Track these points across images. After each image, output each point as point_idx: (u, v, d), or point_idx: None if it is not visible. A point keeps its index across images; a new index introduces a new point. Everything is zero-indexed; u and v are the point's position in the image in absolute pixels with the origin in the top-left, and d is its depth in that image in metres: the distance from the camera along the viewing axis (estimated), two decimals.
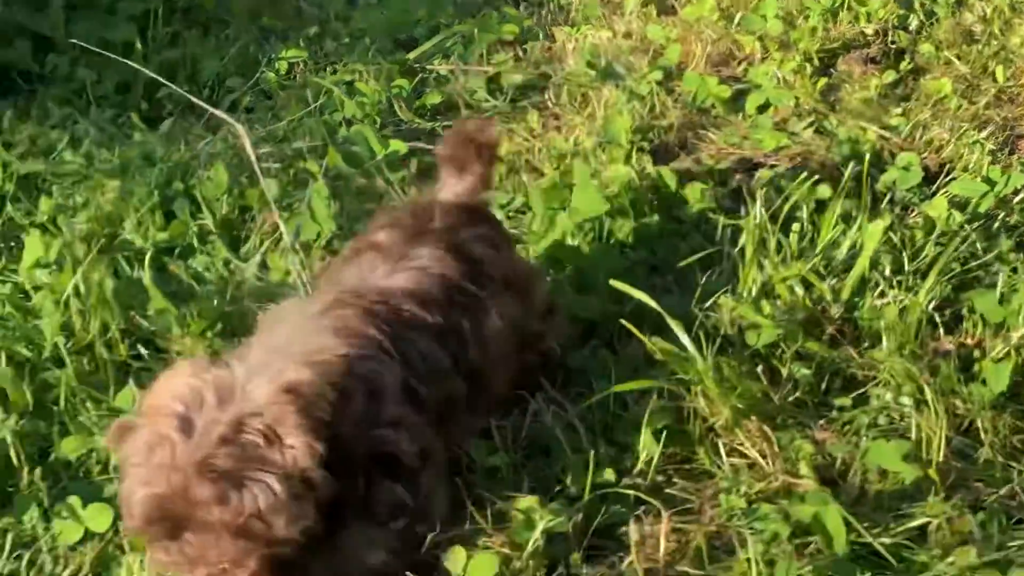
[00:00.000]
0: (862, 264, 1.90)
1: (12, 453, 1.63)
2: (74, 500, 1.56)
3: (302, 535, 1.33)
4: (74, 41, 2.96)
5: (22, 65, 3.05)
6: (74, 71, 3.00)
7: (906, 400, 1.63)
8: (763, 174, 2.32)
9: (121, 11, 3.22)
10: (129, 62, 2.85)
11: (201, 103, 2.76)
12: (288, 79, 3.01)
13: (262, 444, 1.30)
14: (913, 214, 2.20)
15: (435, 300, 1.56)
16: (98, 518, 1.54)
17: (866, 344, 1.84)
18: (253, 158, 2.33)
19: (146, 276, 1.98)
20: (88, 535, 1.53)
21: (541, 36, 3.17)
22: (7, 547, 1.52)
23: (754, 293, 1.88)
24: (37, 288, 2.03)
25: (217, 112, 2.71)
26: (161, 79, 2.79)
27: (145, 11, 3.15)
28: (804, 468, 1.53)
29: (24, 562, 1.50)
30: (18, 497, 1.60)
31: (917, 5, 3.00)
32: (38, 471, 1.61)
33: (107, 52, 2.93)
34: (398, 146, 2.56)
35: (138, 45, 3.01)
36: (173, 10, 3.31)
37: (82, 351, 1.86)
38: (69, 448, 1.63)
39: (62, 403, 1.71)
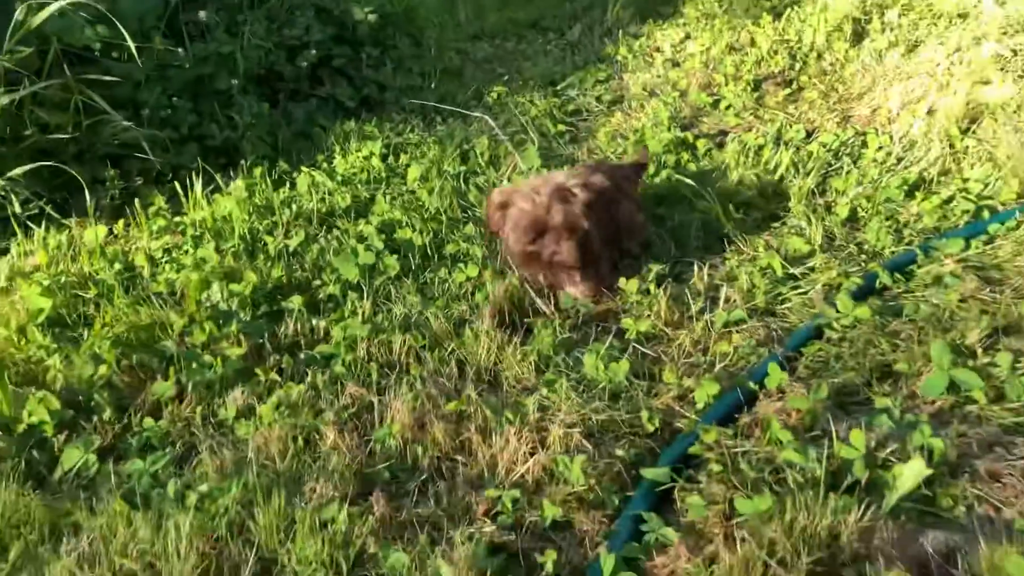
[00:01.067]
0: (783, 164, 3.12)
1: None
2: None
3: (589, 232, 2.43)
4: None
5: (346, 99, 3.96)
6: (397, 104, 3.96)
7: None
8: (729, 142, 3.40)
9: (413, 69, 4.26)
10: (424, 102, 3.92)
11: (468, 112, 3.79)
12: (498, 101, 3.92)
13: (568, 195, 2.52)
14: (800, 152, 3.24)
15: (604, 188, 2.60)
16: None
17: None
18: (499, 133, 3.52)
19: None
20: None
21: (617, 77, 4.18)
22: None
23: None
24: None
25: (477, 114, 3.74)
26: (442, 105, 3.86)
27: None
28: None
29: None
30: None
31: (799, 58, 4.01)
32: None
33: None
34: (560, 128, 3.58)
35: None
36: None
37: None
38: None
39: None
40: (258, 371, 2.28)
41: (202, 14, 3.57)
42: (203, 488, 1.88)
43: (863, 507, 1.68)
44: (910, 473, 1.74)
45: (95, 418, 2.18)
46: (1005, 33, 3.84)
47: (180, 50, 3.51)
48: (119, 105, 3.08)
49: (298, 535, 1.76)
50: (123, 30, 2.98)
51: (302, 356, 2.38)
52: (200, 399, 2.23)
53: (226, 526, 1.81)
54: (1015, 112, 3.25)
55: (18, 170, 2.85)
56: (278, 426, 2.07)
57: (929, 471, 1.73)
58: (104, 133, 3.11)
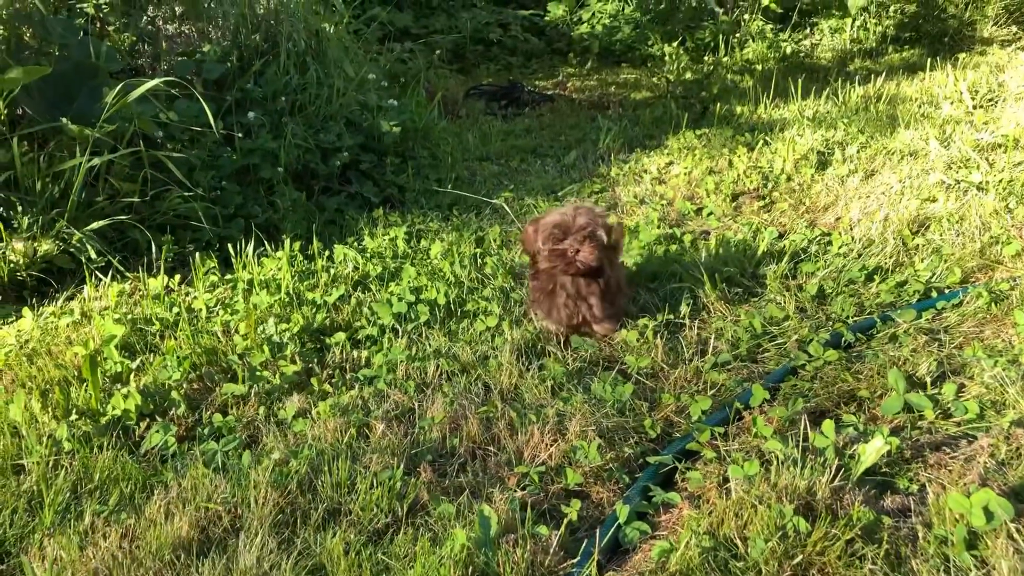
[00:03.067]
0: (760, 250, 3.66)
1: None
2: None
3: (605, 248, 2.80)
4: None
5: (371, 195, 4.48)
6: (416, 203, 4.37)
7: None
8: (712, 236, 3.84)
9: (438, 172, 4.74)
10: (449, 190, 4.40)
11: (486, 199, 4.28)
12: (506, 202, 4.28)
13: (593, 213, 2.86)
14: (774, 246, 3.68)
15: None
16: None
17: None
18: (513, 218, 4.25)
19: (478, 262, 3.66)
20: None
21: (610, 190, 4.64)
22: None
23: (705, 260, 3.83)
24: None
25: (495, 201, 4.22)
26: (460, 192, 4.35)
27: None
28: None
29: None
30: None
31: (771, 179, 4.53)
32: None
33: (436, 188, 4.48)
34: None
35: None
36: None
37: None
38: None
39: None
40: (312, 381, 2.65)
41: (251, 115, 4.11)
42: (275, 456, 2.22)
43: (835, 473, 2.06)
44: (872, 449, 2.12)
45: (170, 412, 2.52)
46: (950, 168, 4.49)
47: (228, 148, 4.02)
48: (177, 184, 3.54)
49: (359, 488, 2.09)
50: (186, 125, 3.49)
51: (348, 377, 2.75)
52: (262, 402, 2.58)
53: (296, 485, 2.14)
54: (958, 222, 3.81)
55: (94, 224, 3.28)
56: (332, 420, 2.42)
57: (888, 447, 2.12)
58: (164, 204, 3.55)
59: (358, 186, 4.34)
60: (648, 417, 2.49)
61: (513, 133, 5.97)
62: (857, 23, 8.56)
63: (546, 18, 9.50)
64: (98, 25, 4.64)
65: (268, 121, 4.23)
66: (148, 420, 2.49)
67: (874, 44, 8.40)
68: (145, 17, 4.86)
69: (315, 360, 2.83)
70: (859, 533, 1.84)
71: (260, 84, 4.37)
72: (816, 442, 2.21)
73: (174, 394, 2.54)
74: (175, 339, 2.88)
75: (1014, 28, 8.33)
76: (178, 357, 2.68)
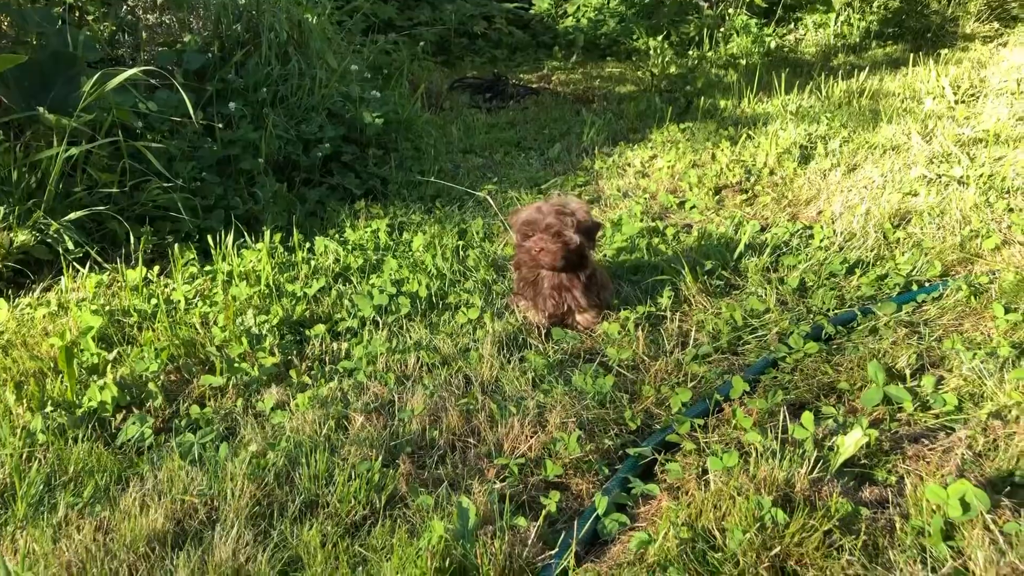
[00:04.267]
0: (742, 244, 3.61)
1: None
2: None
3: (576, 246, 2.76)
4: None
5: (353, 187, 4.33)
6: (399, 195, 4.33)
7: None
8: (694, 229, 3.83)
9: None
10: (433, 180, 4.38)
11: (470, 191, 4.27)
12: (494, 193, 4.24)
13: (566, 211, 2.81)
14: (756, 239, 3.66)
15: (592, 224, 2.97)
16: None
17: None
18: (496, 210, 4.17)
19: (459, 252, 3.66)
20: None
21: (593, 183, 4.64)
22: None
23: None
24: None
25: (479, 193, 4.20)
26: (443, 182, 4.33)
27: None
28: None
29: None
30: None
31: (754, 173, 4.52)
32: None
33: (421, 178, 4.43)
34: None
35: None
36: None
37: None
38: None
39: None
40: (291, 372, 2.63)
41: (231, 105, 4.07)
42: (252, 448, 2.20)
43: (813, 464, 2.06)
44: (851, 440, 2.13)
45: (147, 404, 2.50)
46: (931, 162, 4.49)
47: (208, 140, 3.98)
48: (156, 174, 3.51)
49: (337, 480, 2.08)
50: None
51: (327, 369, 2.73)
52: (240, 394, 2.56)
53: (274, 477, 2.12)
54: (939, 215, 3.82)
55: (71, 215, 3.24)
56: (311, 412, 2.41)
57: (866, 438, 2.12)
58: (143, 195, 3.52)
59: (340, 178, 4.31)
60: (628, 409, 2.48)
61: (497, 126, 5.95)
62: (841, 18, 8.57)
63: (531, 11, 9.47)
64: (77, 15, 4.58)
65: (249, 112, 4.19)
66: (125, 412, 2.46)
67: (857, 39, 8.41)
68: (125, 7, 4.80)
69: (294, 352, 2.81)
70: (837, 524, 1.84)
71: (241, 75, 4.33)
72: (796, 434, 2.21)
73: (151, 386, 2.52)
74: (153, 331, 2.84)
75: (996, 24, 8.37)
76: (155, 349, 2.65)
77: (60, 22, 3.77)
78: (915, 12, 8.32)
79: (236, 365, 2.59)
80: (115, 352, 2.71)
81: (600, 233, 3.03)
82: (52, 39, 3.51)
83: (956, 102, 5.79)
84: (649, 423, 2.48)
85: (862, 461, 2.17)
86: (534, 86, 7.30)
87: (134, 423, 2.34)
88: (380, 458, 2.17)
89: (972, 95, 5.97)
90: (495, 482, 2.14)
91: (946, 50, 7.40)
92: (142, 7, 4.88)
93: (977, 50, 7.50)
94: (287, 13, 4.65)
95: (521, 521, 1.95)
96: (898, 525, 1.90)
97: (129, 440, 2.32)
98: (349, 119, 4.52)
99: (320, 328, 2.92)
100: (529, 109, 6.53)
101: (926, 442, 2.28)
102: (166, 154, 3.69)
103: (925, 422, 2.37)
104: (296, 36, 4.66)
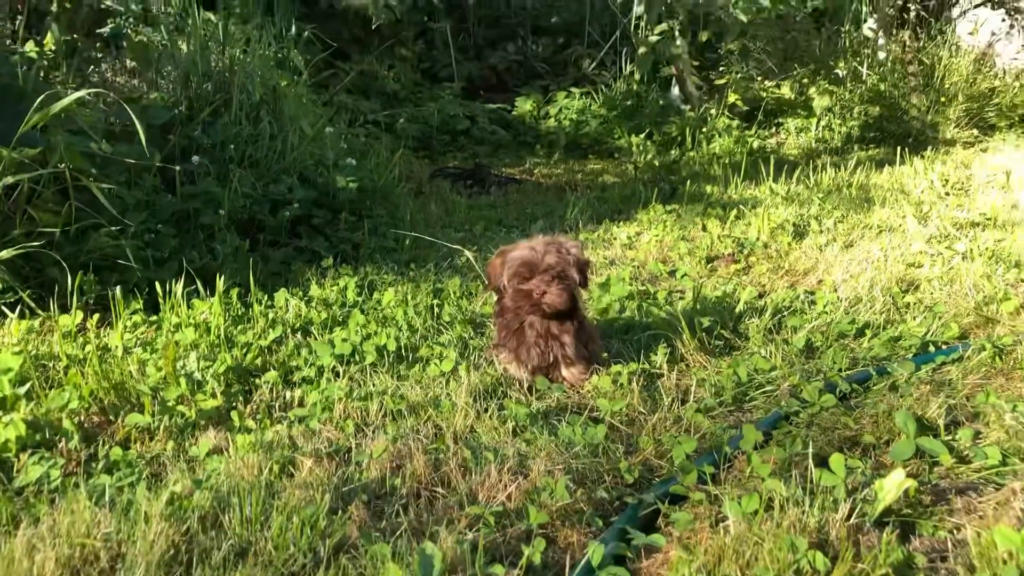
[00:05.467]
0: (740, 306, 3.30)
1: None
2: None
3: (576, 286, 2.54)
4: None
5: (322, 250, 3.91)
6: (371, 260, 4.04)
7: None
8: (688, 293, 3.54)
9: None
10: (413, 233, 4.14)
11: (447, 244, 4.07)
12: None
13: (563, 251, 2.54)
14: (755, 303, 3.38)
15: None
16: None
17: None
18: (476, 265, 3.89)
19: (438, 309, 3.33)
20: None
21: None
22: None
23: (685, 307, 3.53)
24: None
25: (456, 246, 3.99)
26: (421, 235, 4.13)
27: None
28: None
29: None
30: None
31: (746, 246, 4.27)
32: None
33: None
34: None
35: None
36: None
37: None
38: None
39: None
40: (233, 415, 2.26)
41: (195, 159, 3.81)
42: (176, 488, 1.82)
43: (848, 513, 1.71)
44: (891, 484, 1.78)
45: (61, 444, 2.11)
46: (930, 241, 4.27)
47: (169, 195, 3.70)
48: (108, 221, 3.21)
49: (275, 523, 1.70)
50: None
51: (275, 415, 2.37)
52: (171, 437, 2.18)
53: (198, 521, 1.74)
54: (948, 284, 3.56)
55: (3, 253, 2.91)
56: (252, 456, 2.04)
57: (910, 482, 1.77)
58: (89, 243, 3.20)
59: (308, 241, 4.02)
60: (624, 460, 2.12)
61: (478, 207, 5.72)
62: (822, 123, 8.56)
63: (513, 112, 9.43)
64: (42, 75, 4.36)
65: (215, 169, 3.93)
66: (33, 453, 2.07)
67: (839, 144, 8.38)
68: (95, 71, 4.60)
69: (240, 399, 2.44)
70: (890, 572, 1.47)
71: (209, 133, 4.09)
72: (823, 480, 1.86)
73: (66, 423, 2.13)
74: (81, 374, 2.47)
75: (975, 131, 8.37)
76: (76, 385, 2.28)
77: (17, 67, 3.53)
78: (895, 118, 8.32)
79: (170, 405, 2.22)
80: (26, 387, 2.31)
81: (590, 271, 2.72)
82: (3, 74, 3.26)
83: (946, 193, 5.63)
84: (648, 476, 2.12)
85: (904, 511, 1.81)
86: (517, 178, 7.13)
87: (37, 463, 1.95)
88: (327, 502, 1.78)
89: (961, 188, 5.83)
90: (467, 532, 1.76)
91: (929, 152, 7.33)
92: (111, 70, 4.68)
93: (959, 154, 7.45)
94: (261, 77, 4.45)
95: (498, 569, 1.56)
96: None
97: (31, 483, 1.92)
98: (322, 183, 4.26)
99: (272, 375, 2.57)
100: (511, 195, 6.33)
101: (974, 495, 1.94)
102: (120, 202, 3.39)
103: (967, 476, 2.02)
104: (270, 100, 4.44)
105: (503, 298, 2.64)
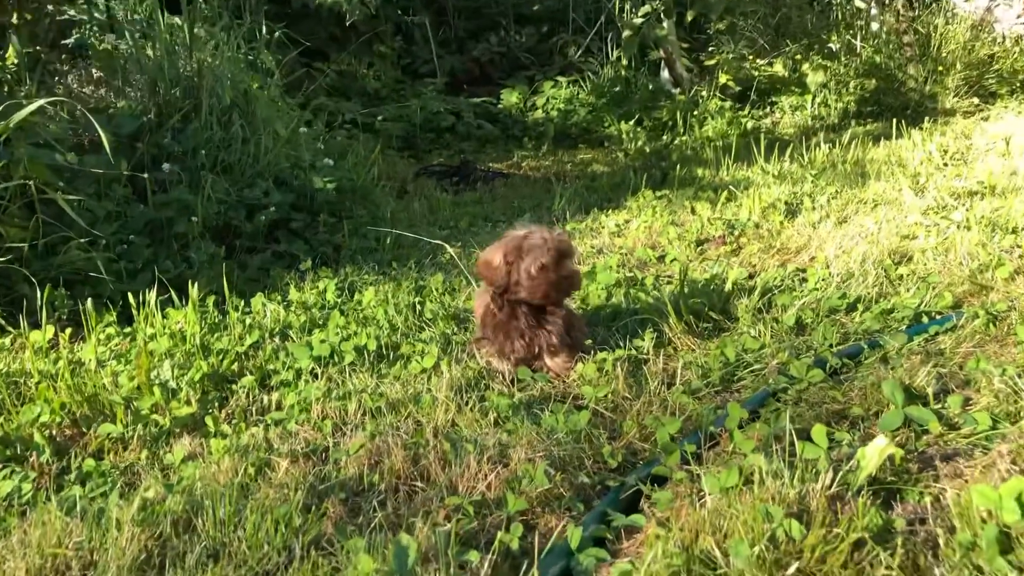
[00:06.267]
0: (729, 286, 3.31)
1: None
2: None
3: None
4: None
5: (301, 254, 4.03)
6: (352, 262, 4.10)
7: None
8: (676, 277, 3.54)
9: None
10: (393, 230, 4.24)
11: (430, 240, 4.15)
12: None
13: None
14: (745, 284, 3.42)
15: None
16: None
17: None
18: (458, 261, 3.98)
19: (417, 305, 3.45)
20: None
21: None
22: None
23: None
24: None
25: (438, 242, 4.05)
26: (406, 233, 4.21)
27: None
28: None
29: None
30: None
31: (737, 227, 4.31)
32: None
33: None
34: None
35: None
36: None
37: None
38: None
39: None
40: (208, 421, 2.30)
41: (165, 166, 3.85)
42: (148, 494, 1.86)
43: (831, 478, 1.74)
44: (874, 450, 1.81)
45: (32, 458, 2.15)
46: (926, 213, 4.31)
47: (140, 205, 3.75)
48: (80, 234, 3.25)
49: (249, 522, 1.74)
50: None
51: (252, 419, 2.41)
52: (145, 446, 2.22)
53: (171, 525, 1.78)
54: (943, 253, 3.59)
55: None
56: (228, 460, 2.08)
57: (893, 449, 1.81)
58: (59, 257, 3.25)
59: (287, 245, 4.06)
60: (608, 445, 2.16)
61: (463, 203, 5.77)
62: (818, 100, 8.60)
63: (499, 105, 9.48)
64: (6, 90, 4.41)
65: (187, 177, 3.98)
66: (3, 467, 2.11)
67: (836, 120, 8.41)
68: (60, 82, 4.64)
69: (215, 405, 2.48)
70: (867, 536, 1.51)
71: (179, 140, 4.13)
72: (805, 453, 1.90)
73: (37, 436, 2.17)
74: (54, 388, 2.51)
75: (975, 99, 8.41)
76: (47, 399, 2.32)
77: None
78: (892, 90, 8.35)
79: (143, 414, 2.26)
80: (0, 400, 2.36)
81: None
82: None
83: (944, 164, 5.67)
84: (632, 460, 2.16)
85: (889, 480, 1.84)
86: (504, 172, 7.17)
87: (7, 478, 1.99)
88: (301, 500, 1.82)
89: (959, 159, 5.86)
90: (445, 524, 1.79)
91: (928, 123, 7.36)
92: (78, 81, 4.72)
93: (959, 123, 7.48)
94: (231, 80, 4.49)
95: (473, 555, 1.60)
96: (942, 541, 1.57)
97: (1, 498, 1.96)
98: (299, 186, 4.31)
99: (249, 380, 2.61)
100: (498, 189, 6.38)
101: (961, 460, 1.98)
102: (90, 215, 3.43)
103: (956, 443, 2.05)
104: (241, 103, 4.49)
105: (505, 293, 2.66)
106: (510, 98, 9.48)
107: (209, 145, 4.14)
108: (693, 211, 4.60)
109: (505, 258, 2.60)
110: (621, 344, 2.86)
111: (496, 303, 2.72)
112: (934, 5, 9.03)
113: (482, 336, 2.79)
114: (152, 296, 3.11)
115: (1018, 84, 8.60)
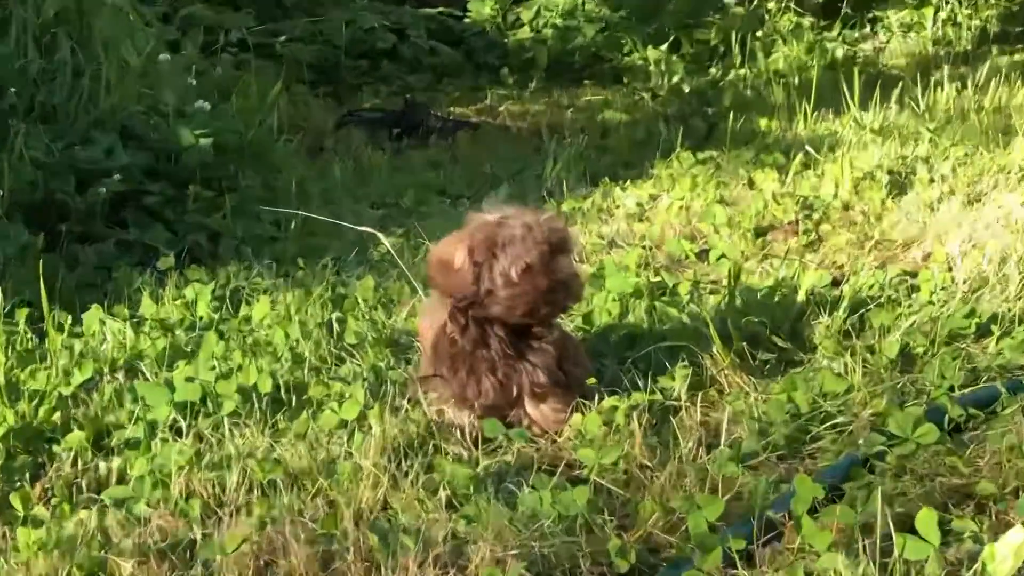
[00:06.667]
0: (801, 297, 3.41)
1: None
2: None
3: None
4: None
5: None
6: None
7: None
8: (720, 287, 3.64)
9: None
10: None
11: (356, 226, 4.20)
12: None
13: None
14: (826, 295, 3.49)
15: None
16: None
17: None
18: (382, 237, 3.95)
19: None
20: None
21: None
22: None
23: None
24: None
25: (368, 228, 3.98)
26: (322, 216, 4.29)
27: None
28: None
29: None
30: None
31: (817, 208, 4.40)
32: None
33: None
34: None
35: None
36: None
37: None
38: None
39: None
40: (14, 500, 2.32)
41: None
42: None
43: None
44: (1007, 550, 1.85)
45: None
46: None
47: None
48: None
49: None
50: None
51: (83, 497, 2.43)
52: None
53: None
54: None
55: None
56: (42, 559, 2.09)
57: None
58: None
59: (139, 230, 4.08)
60: (616, 539, 2.18)
61: (409, 167, 5.81)
62: (943, 14, 8.67)
63: (466, 19, 9.52)
64: None
65: None
66: None
67: (969, 45, 8.49)
68: None
69: (26, 476, 2.50)
70: None
71: None
72: (908, 552, 1.93)
73: None
74: None
75: None
76: None
77: None
78: None
79: None
80: None
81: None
82: None
83: None
84: (651, 562, 2.18)
85: None
86: (472, 120, 7.21)
87: None
88: None
89: None
90: None
91: None
92: None
93: None
94: None
95: None
96: None
97: None
98: (158, 140, 4.34)
99: (77, 437, 2.63)
100: (461, 147, 6.41)
101: None
102: None
103: None
104: (72, 16, 4.50)
105: (471, 307, 2.68)
106: (482, 9, 9.53)
107: (22, 79, 4.16)
108: (751, 184, 4.66)
109: (471, 255, 2.62)
110: (640, 384, 2.89)
111: (456, 322, 2.74)
112: None
113: (433, 372, 2.81)
114: None
115: None
